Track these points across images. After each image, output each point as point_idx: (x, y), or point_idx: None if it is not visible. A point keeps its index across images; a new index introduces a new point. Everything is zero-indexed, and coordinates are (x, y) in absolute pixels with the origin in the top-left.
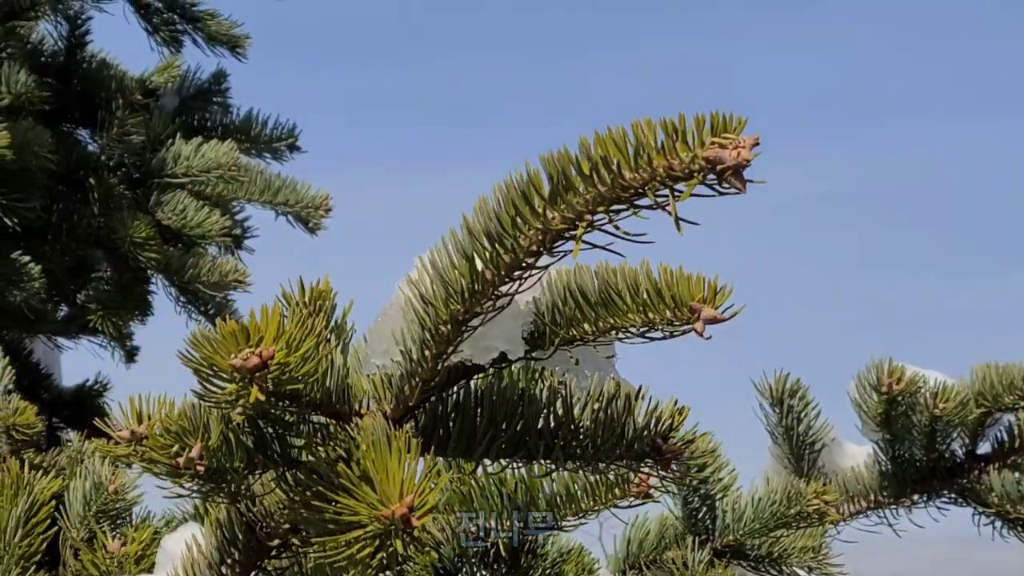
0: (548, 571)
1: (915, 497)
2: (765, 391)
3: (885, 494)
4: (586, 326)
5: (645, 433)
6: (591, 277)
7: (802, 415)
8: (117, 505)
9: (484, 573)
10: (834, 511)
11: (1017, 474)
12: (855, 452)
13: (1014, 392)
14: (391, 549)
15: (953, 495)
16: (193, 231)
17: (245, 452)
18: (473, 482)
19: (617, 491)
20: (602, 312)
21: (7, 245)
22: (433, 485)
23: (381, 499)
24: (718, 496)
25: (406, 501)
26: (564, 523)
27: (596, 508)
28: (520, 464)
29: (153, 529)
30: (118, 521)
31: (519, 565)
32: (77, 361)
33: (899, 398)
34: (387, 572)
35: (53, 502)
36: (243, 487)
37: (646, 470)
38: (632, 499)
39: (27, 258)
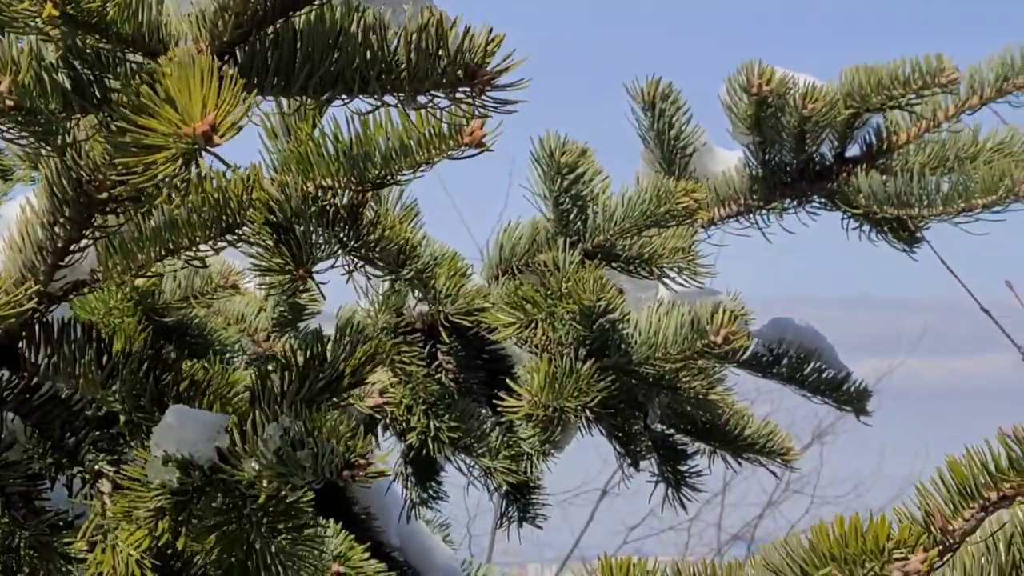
0: (388, 230)
1: (786, 202)
2: (637, 95)
3: (755, 198)
4: None
5: (459, 59)
6: None
7: (673, 119)
8: None
9: (321, 231)
10: (703, 209)
11: (884, 175)
12: (726, 157)
13: (882, 92)
14: (197, 168)
15: (823, 199)
16: None
17: (61, 94)
18: (310, 142)
19: (451, 141)
20: None
21: None
22: (237, 105)
23: (183, 118)
24: (588, 198)
25: (208, 119)
26: (400, 176)
27: (430, 159)
28: (341, 100)
29: None
30: None
31: (359, 222)
32: None
33: (768, 99)
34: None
35: None
36: (67, 134)
37: (467, 103)
38: (465, 147)
39: None
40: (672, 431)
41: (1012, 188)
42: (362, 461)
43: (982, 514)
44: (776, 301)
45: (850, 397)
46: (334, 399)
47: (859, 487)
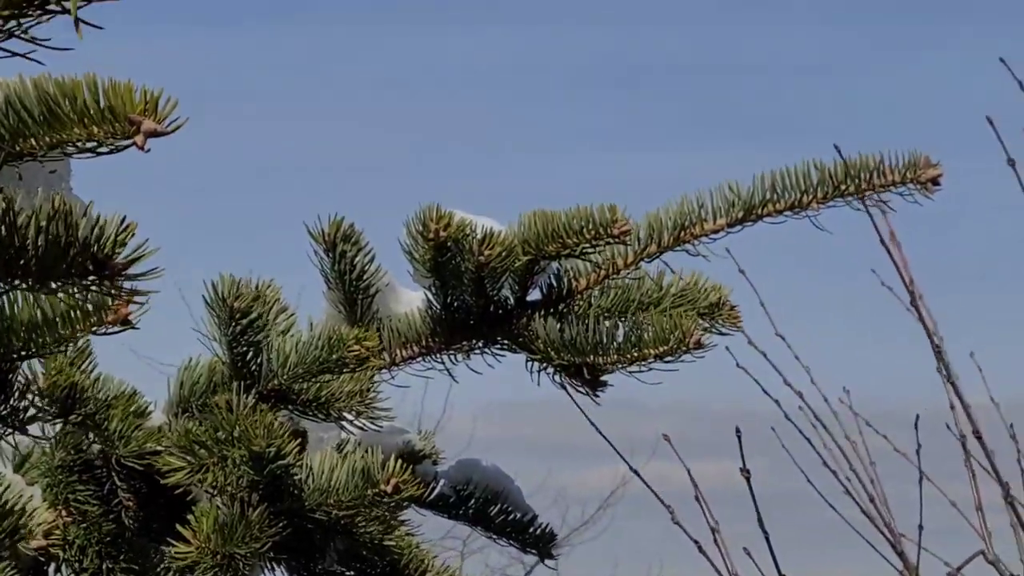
0: (98, 414)
1: (470, 343)
2: (318, 236)
3: (437, 339)
4: (32, 141)
5: (88, 250)
6: (32, 88)
7: (355, 261)
8: None
9: None
10: (376, 357)
11: (561, 322)
12: (410, 297)
13: (556, 240)
14: None
15: (505, 341)
16: None
17: None
18: None
19: (94, 319)
20: (45, 126)
21: None
22: None
23: None
24: (264, 342)
25: None
26: (43, 350)
27: (75, 336)
28: None
29: None
30: None
31: (7, 389)
32: None
33: (447, 244)
34: None
35: None
36: None
37: (96, 292)
38: (110, 327)
39: None
40: (352, 574)
41: (683, 340)
42: None
43: None
44: (511, 405)
45: (535, 540)
46: None
47: None
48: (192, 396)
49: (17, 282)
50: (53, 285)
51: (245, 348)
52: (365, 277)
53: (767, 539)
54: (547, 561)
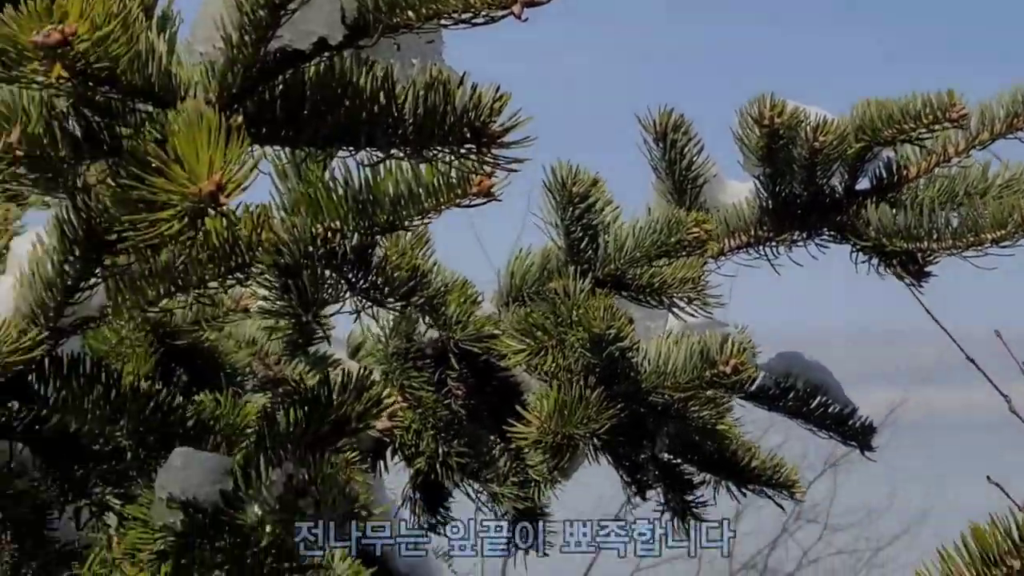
0: (399, 257)
1: (795, 234)
2: (649, 126)
3: (765, 229)
4: (409, 12)
5: (465, 118)
6: None
7: (685, 150)
8: None
9: (329, 272)
10: (713, 240)
11: (894, 209)
12: (736, 189)
13: (892, 126)
14: (202, 227)
15: (832, 232)
16: None
17: (71, 142)
18: (320, 185)
19: (459, 190)
20: None
21: None
22: (243, 164)
23: (190, 177)
24: (600, 227)
25: (214, 178)
26: (408, 222)
27: (438, 207)
28: (348, 151)
29: (10, 235)
30: None
31: (368, 264)
32: None
33: (780, 131)
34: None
35: None
36: (76, 178)
37: (473, 159)
38: (472, 198)
39: None
40: (679, 460)
41: (1021, 223)
42: (364, 512)
43: None
44: (790, 329)
45: (855, 432)
46: (340, 443)
47: (871, 515)
48: (524, 284)
49: (393, 151)
50: (428, 154)
51: (581, 233)
52: (694, 167)
53: None
54: (866, 452)
